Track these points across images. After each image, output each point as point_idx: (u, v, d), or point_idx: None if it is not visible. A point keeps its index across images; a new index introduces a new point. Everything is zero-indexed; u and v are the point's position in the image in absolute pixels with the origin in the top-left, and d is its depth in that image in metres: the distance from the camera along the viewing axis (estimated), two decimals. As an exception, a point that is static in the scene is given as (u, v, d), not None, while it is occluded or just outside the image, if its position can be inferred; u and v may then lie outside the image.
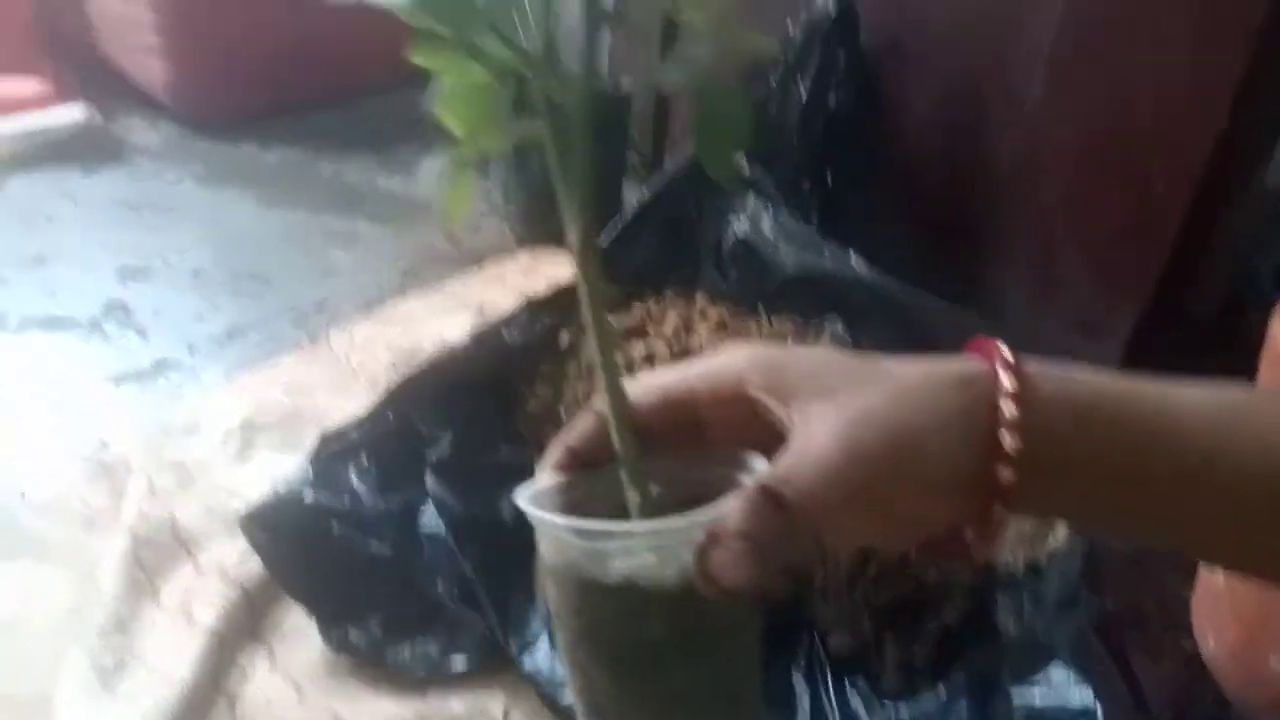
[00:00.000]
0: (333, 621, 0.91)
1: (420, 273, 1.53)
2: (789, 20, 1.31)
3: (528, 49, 0.33)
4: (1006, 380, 0.33)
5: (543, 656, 0.88)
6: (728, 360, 0.36)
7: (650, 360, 1.26)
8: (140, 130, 1.93)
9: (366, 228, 1.65)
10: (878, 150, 1.33)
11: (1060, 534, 0.95)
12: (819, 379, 0.34)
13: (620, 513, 0.37)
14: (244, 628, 0.93)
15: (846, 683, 0.87)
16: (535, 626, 0.90)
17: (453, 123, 0.37)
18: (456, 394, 1.11)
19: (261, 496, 0.98)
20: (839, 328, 1.29)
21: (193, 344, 1.34)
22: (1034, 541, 0.97)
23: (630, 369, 1.25)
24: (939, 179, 1.30)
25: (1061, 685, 0.83)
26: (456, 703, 0.88)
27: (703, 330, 1.33)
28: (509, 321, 1.26)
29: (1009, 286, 1.26)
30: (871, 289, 1.23)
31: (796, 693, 0.87)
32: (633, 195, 1.57)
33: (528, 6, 0.34)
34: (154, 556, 0.98)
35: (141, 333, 1.37)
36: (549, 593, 0.35)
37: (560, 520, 0.35)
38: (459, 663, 0.90)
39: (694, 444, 0.38)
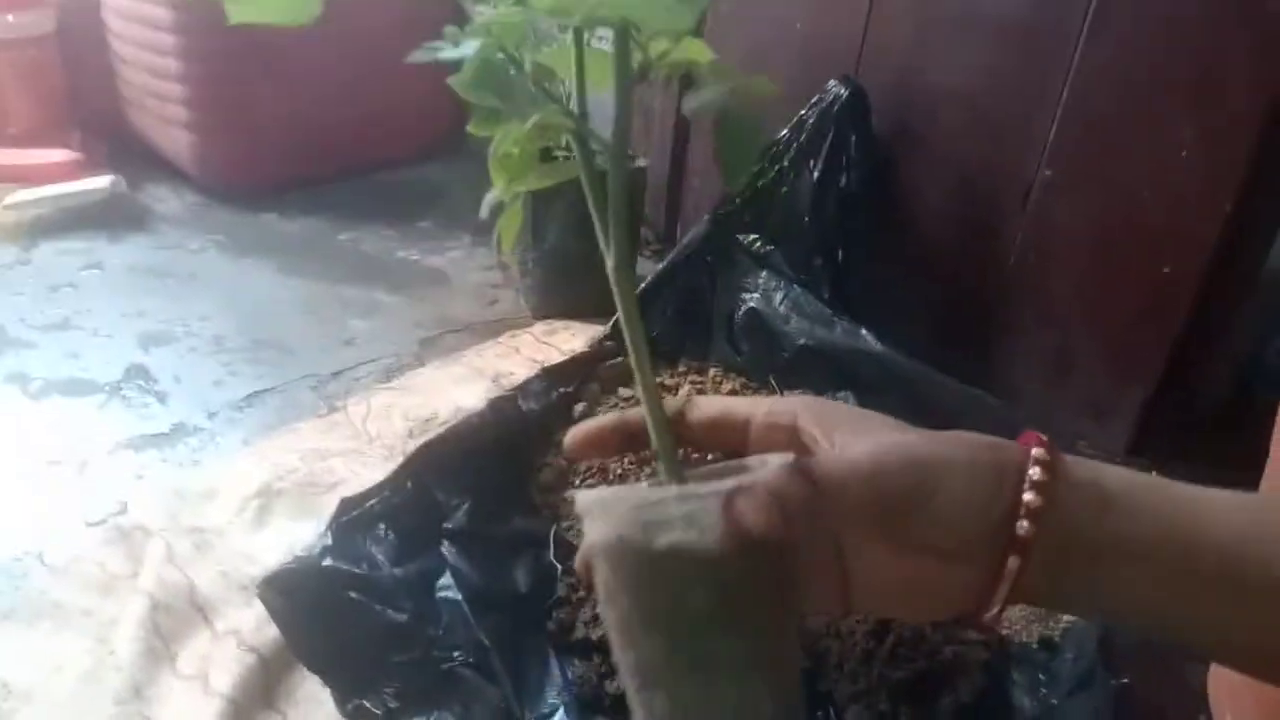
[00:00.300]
0: (348, 690, 0.91)
1: (437, 342, 1.55)
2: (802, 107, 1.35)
3: (569, 109, 0.40)
4: (1038, 452, 0.36)
5: (557, 728, 0.88)
6: (787, 400, 0.41)
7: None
8: (165, 199, 1.98)
9: (384, 297, 1.68)
10: (888, 230, 1.36)
11: (1075, 611, 0.95)
12: (863, 421, 0.39)
13: None
14: (259, 695, 0.93)
15: (863, 759, 0.87)
16: (551, 698, 0.90)
17: (500, 179, 0.43)
18: (473, 462, 1.12)
19: (279, 563, 0.98)
20: (850, 401, 1.31)
21: (212, 409, 1.36)
22: (1048, 618, 0.98)
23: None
24: (949, 260, 1.33)
25: (1079, 765, 0.83)
26: (470, 775, 0.88)
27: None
28: (524, 390, 1.28)
29: (1019, 366, 1.28)
30: (883, 364, 1.25)
31: (813, 768, 0.87)
32: (647, 269, 1.61)
33: (560, 76, 0.41)
34: (171, 622, 0.99)
35: (161, 398, 1.39)
36: (599, 577, 0.37)
37: (609, 492, 0.37)
38: (473, 734, 0.90)
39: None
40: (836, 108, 1.30)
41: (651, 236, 1.83)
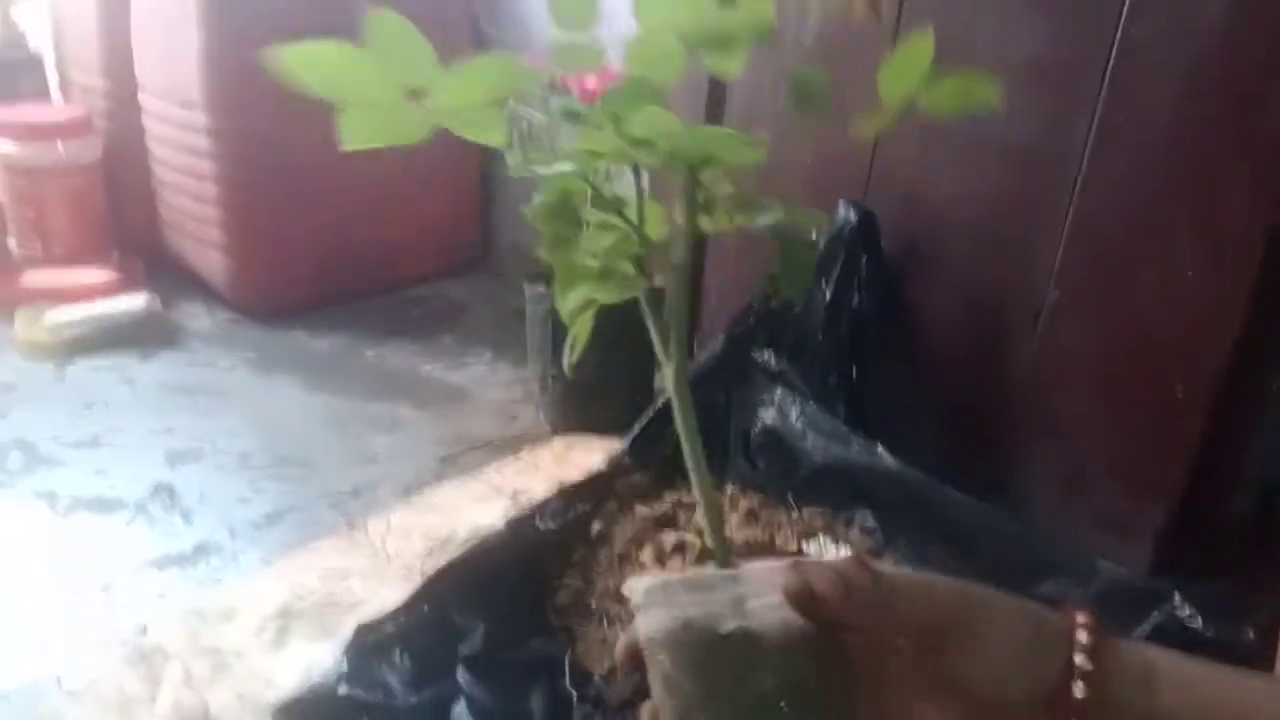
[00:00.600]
0: (360, 822, 0.90)
1: (457, 459, 1.57)
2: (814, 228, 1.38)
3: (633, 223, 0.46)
4: (1084, 619, 0.36)
5: None
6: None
7: (681, 549, 1.28)
8: (198, 317, 2.04)
9: (407, 412, 1.71)
10: (901, 349, 1.38)
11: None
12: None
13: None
14: (270, 827, 0.92)
15: None
16: (564, 832, 0.89)
17: (574, 292, 0.49)
18: (490, 584, 1.13)
19: (295, 688, 0.98)
20: (868, 519, 1.31)
21: (234, 528, 1.38)
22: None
23: (661, 559, 1.26)
24: (962, 377, 1.34)
25: None
26: None
27: (733, 520, 1.35)
28: (542, 510, 1.29)
29: (1036, 483, 1.28)
30: (899, 481, 1.26)
31: None
32: (664, 387, 1.63)
33: (615, 189, 0.47)
34: (185, 749, 0.98)
35: (186, 515, 1.41)
36: (657, 668, 0.38)
37: (663, 580, 0.39)
38: None
39: None
40: (847, 230, 1.34)
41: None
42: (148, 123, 2.04)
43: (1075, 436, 1.23)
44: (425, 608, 1.06)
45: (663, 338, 0.45)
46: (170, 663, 1.10)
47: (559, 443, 1.60)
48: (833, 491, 1.31)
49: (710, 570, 0.41)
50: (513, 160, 0.46)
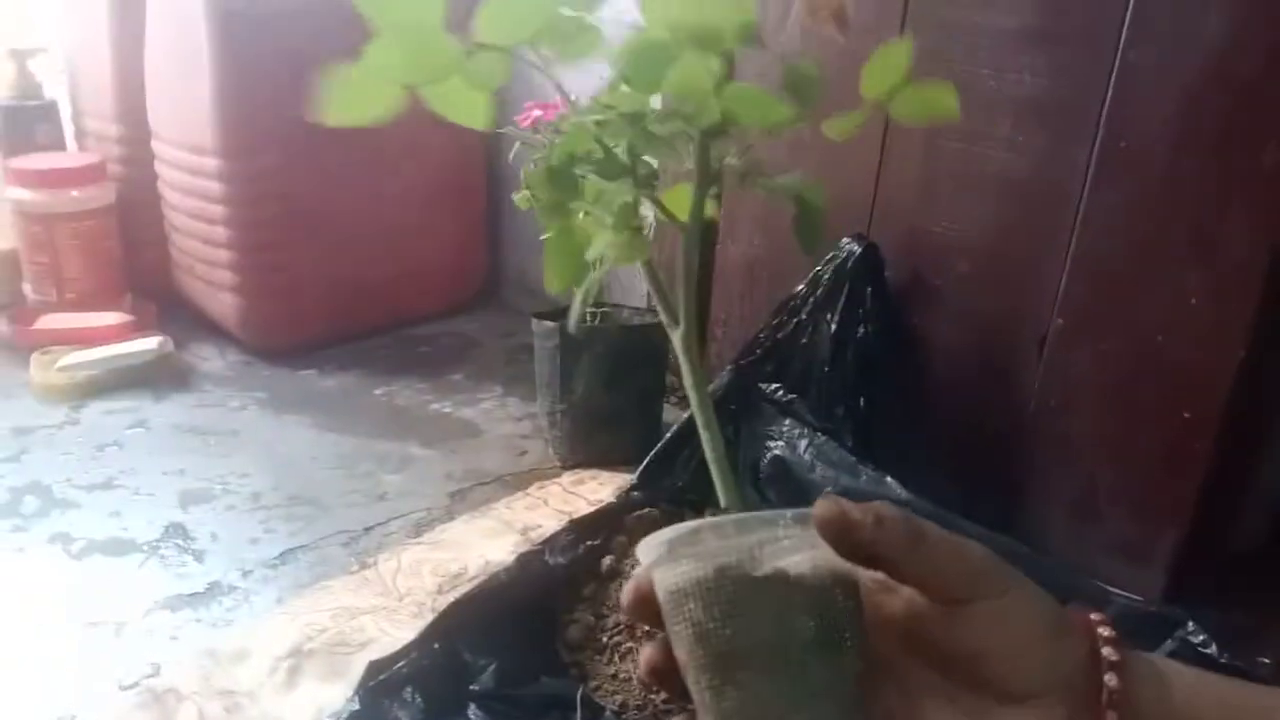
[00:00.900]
0: None
1: (467, 495, 1.58)
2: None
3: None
4: (1100, 617, 0.37)
5: None
6: None
7: (692, 583, 1.28)
8: (210, 358, 2.06)
9: (417, 450, 1.72)
10: (908, 380, 1.39)
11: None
12: None
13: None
14: None
15: None
16: None
17: (589, 250, 0.50)
18: (500, 621, 1.13)
19: (307, 728, 0.98)
20: (878, 550, 1.30)
21: (247, 568, 1.38)
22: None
23: (672, 593, 1.26)
24: (969, 406, 1.34)
25: None
26: None
27: (743, 552, 1.35)
28: (551, 545, 1.29)
29: (1045, 511, 1.28)
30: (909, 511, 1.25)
31: None
32: (673, 417, 1.63)
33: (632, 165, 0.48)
34: (197, 791, 0.98)
35: (198, 556, 1.41)
36: (688, 620, 0.37)
37: (711, 519, 0.39)
38: None
39: None
40: (851, 263, 1.35)
41: (677, 384, 1.86)
42: (160, 168, 2.07)
43: (1083, 463, 1.23)
44: (436, 645, 1.06)
45: (668, 304, 0.47)
46: (183, 704, 1.10)
47: (568, 477, 1.61)
48: (842, 522, 1.31)
49: (716, 520, 0.40)
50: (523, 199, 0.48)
